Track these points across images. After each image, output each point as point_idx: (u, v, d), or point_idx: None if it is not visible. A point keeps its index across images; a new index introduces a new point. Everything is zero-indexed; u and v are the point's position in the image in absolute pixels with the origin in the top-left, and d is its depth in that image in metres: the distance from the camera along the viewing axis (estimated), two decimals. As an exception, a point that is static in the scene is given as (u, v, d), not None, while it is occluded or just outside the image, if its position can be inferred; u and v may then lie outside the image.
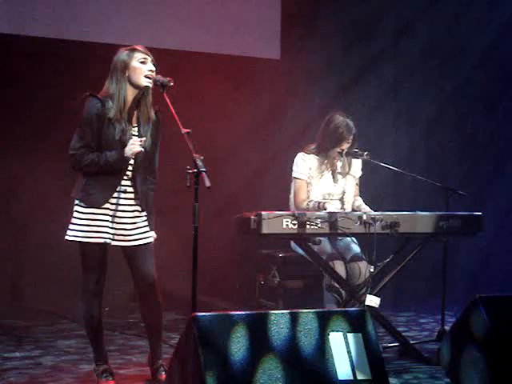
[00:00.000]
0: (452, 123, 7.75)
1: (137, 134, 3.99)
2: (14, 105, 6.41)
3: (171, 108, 3.85)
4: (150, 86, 3.93)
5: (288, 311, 3.27)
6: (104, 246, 3.97)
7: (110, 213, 3.95)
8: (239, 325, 3.13)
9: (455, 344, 3.72)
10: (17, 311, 6.21)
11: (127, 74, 3.91)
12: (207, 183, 3.51)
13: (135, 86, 3.93)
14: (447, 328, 4.97)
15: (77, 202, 3.96)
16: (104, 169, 3.90)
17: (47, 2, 6.45)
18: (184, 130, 3.71)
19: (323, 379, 3.19)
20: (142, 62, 3.92)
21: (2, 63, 6.32)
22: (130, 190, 4.00)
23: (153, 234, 4.10)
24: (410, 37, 7.63)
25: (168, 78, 3.91)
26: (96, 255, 3.96)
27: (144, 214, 4.05)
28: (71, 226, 3.96)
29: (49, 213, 6.28)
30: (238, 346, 3.10)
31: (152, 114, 4.00)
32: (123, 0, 6.73)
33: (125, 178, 3.99)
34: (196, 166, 3.57)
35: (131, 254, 4.03)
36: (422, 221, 4.69)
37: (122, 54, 3.94)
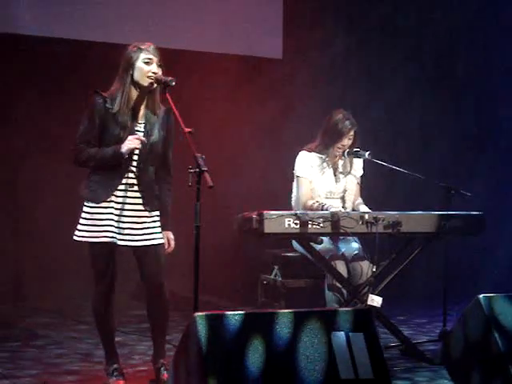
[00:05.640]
0: (452, 121, 7.75)
1: (143, 130, 3.98)
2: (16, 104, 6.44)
3: (173, 107, 3.86)
4: (153, 85, 3.92)
5: (290, 311, 3.27)
6: (110, 246, 3.94)
7: (116, 212, 3.92)
8: (241, 324, 3.13)
9: (457, 344, 3.72)
10: (19, 311, 6.22)
11: (131, 73, 3.92)
12: (209, 182, 3.51)
13: (139, 84, 3.94)
14: (449, 327, 4.96)
15: (84, 201, 3.96)
16: (100, 164, 3.89)
17: (56, 2, 6.49)
18: (186, 129, 3.72)
19: (325, 378, 3.19)
20: (146, 63, 3.92)
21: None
22: (136, 188, 3.97)
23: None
24: (417, 35, 7.63)
25: (170, 78, 3.89)
26: (102, 255, 3.94)
27: (155, 213, 4.02)
28: (78, 226, 3.96)
29: (52, 211, 6.31)
30: (240, 345, 3.10)
31: (158, 111, 3.98)
32: (125, 0, 6.75)
33: (131, 175, 3.95)
34: (198, 166, 3.57)
35: (140, 254, 4.00)
36: (423, 220, 4.69)
37: (129, 53, 3.94)
